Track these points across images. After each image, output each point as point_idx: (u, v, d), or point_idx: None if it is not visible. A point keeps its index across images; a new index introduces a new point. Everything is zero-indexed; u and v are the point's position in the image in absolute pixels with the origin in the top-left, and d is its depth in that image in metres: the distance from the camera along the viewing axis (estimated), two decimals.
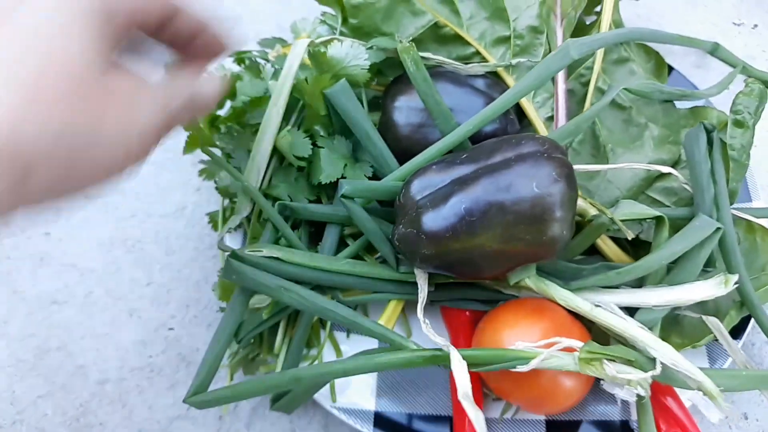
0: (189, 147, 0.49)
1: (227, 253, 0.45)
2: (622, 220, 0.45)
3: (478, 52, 0.53)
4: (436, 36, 0.54)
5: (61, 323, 0.56)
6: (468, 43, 0.53)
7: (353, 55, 0.49)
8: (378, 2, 0.52)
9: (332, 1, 0.55)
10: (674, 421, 0.45)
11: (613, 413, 0.49)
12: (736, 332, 0.49)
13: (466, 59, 0.53)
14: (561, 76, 0.52)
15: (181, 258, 0.59)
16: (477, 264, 0.43)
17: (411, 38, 0.52)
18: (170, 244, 0.59)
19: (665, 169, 0.49)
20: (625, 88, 0.51)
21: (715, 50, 0.53)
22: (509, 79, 0.53)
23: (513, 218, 0.41)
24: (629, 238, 0.45)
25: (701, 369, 0.42)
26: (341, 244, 0.50)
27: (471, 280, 0.48)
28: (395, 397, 0.49)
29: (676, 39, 0.54)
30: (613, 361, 0.41)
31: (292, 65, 0.48)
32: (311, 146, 0.48)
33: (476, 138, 0.48)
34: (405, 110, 0.50)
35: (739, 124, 0.46)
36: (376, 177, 0.50)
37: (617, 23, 0.55)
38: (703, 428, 0.45)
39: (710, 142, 0.47)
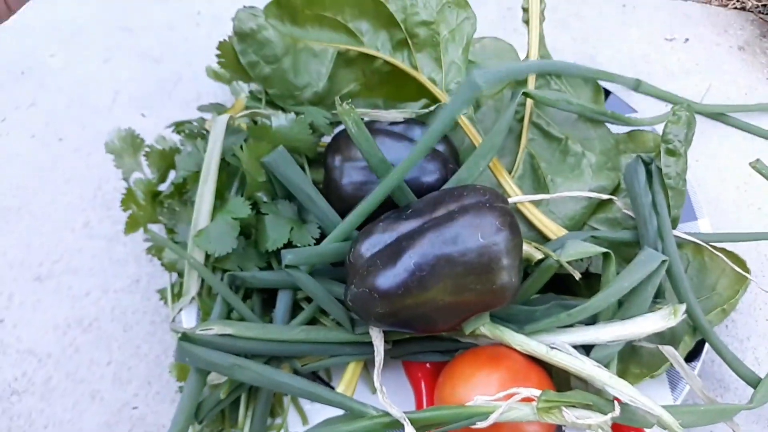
0: (129, 227, 0.49)
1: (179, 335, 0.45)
2: (570, 261, 0.45)
3: (386, 62, 0.55)
4: (345, 61, 0.55)
5: (22, 413, 0.55)
6: (373, 57, 0.54)
7: (297, 128, 0.49)
8: (282, 62, 0.53)
9: (235, 76, 0.55)
10: None
11: None
12: (695, 353, 0.50)
13: (375, 71, 0.55)
14: None
15: (139, 333, 0.58)
16: (431, 318, 0.43)
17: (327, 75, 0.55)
18: (127, 320, 0.59)
19: (605, 197, 0.50)
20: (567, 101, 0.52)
21: (637, 87, 0.54)
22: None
23: (462, 270, 0.42)
24: (577, 279, 0.45)
25: (662, 405, 0.42)
26: (297, 308, 0.50)
27: (427, 334, 0.48)
28: None
29: (595, 73, 0.55)
30: (572, 407, 0.41)
31: (215, 143, 0.48)
32: (256, 213, 0.48)
33: (420, 191, 0.48)
34: (347, 169, 0.50)
35: (671, 152, 0.47)
36: (324, 236, 0.50)
37: (544, 57, 0.56)
38: None
39: (649, 173, 0.48)
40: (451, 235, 0.42)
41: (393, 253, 0.43)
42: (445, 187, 0.48)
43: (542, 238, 0.50)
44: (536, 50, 0.55)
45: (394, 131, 0.51)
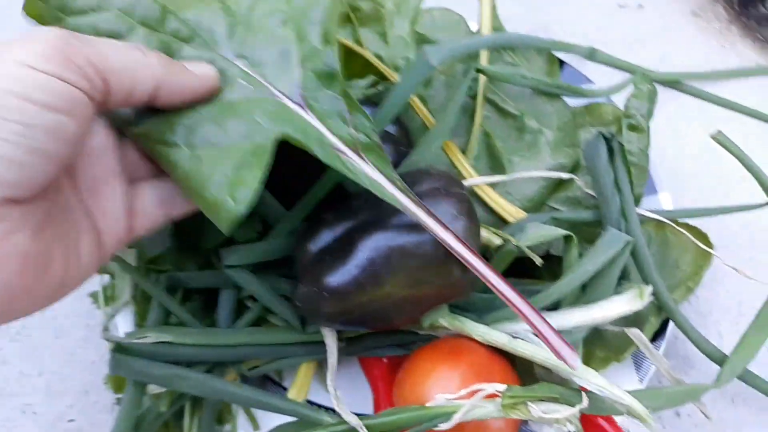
0: None
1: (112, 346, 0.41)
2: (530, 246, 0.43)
3: None
4: None
5: None
6: None
7: None
8: None
9: None
10: None
11: None
12: (660, 331, 0.48)
13: None
14: None
15: (72, 339, 0.54)
16: (387, 314, 0.40)
17: None
18: (59, 325, 0.54)
19: (565, 176, 0.47)
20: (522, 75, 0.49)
21: (592, 56, 0.51)
22: None
23: (417, 262, 0.39)
24: (539, 264, 0.43)
25: (628, 389, 0.40)
26: (243, 307, 0.46)
27: (384, 330, 0.45)
28: None
29: (549, 44, 0.53)
30: (539, 401, 0.39)
31: None
32: None
33: None
34: (291, 154, 0.46)
35: (633, 128, 0.45)
36: (268, 230, 0.46)
37: (497, 29, 0.53)
38: None
39: (610, 150, 0.46)
40: (405, 224, 0.39)
41: (343, 246, 0.39)
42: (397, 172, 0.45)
43: (501, 222, 0.47)
44: (489, 22, 0.52)
45: None
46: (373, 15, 0.49)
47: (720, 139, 0.45)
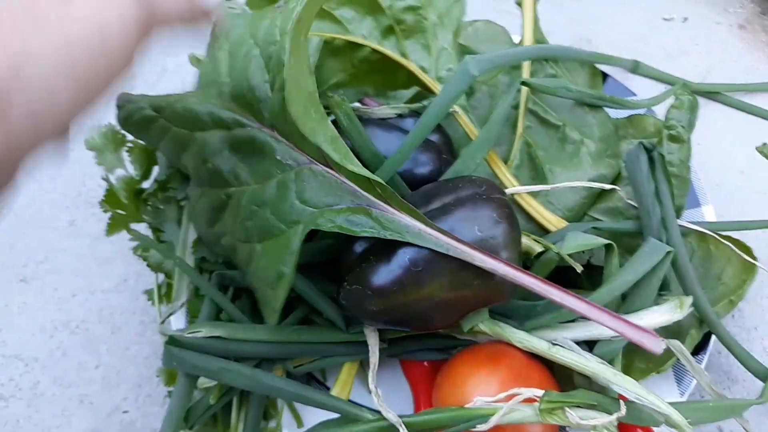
0: (111, 228, 0.47)
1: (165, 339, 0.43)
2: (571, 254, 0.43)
3: (374, 50, 0.52)
4: (331, 51, 0.52)
5: (9, 420, 0.54)
6: (361, 45, 0.52)
7: None
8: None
9: None
10: None
11: None
12: (702, 345, 0.48)
13: (363, 60, 0.52)
14: None
15: (127, 335, 0.56)
16: (428, 315, 0.42)
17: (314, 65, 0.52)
18: (115, 321, 0.57)
19: (607, 187, 0.48)
20: (565, 87, 0.50)
21: (636, 69, 0.52)
22: None
23: (459, 265, 0.40)
24: (579, 271, 0.44)
25: (669, 402, 0.41)
26: (290, 307, 0.48)
27: (424, 332, 0.46)
28: None
29: (592, 57, 0.53)
30: (576, 407, 0.40)
31: None
32: None
33: (413, 183, 0.46)
34: None
35: (674, 139, 0.45)
36: (315, 232, 0.48)
37: (540, 41, 0.54)
38: None
39: (651, 161, 0.46)
40: (447, 228, 0.40)
41: (387, 248, 0.41)
42: (440, 179, 0.46)
43: (541, 231, 0.48)
44: (531, 34, 0.53)
45: (385, 122, 0.49)
46: (417, 27, 0.51)
47: (765, 152, 0.45)
